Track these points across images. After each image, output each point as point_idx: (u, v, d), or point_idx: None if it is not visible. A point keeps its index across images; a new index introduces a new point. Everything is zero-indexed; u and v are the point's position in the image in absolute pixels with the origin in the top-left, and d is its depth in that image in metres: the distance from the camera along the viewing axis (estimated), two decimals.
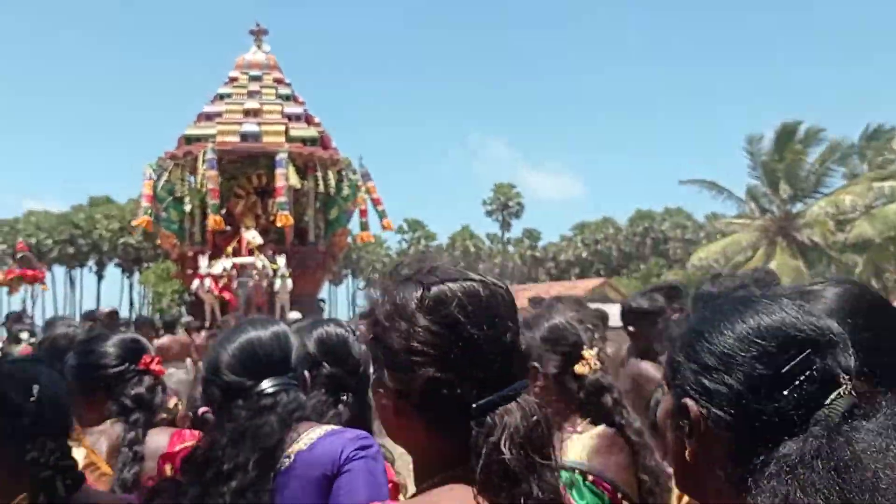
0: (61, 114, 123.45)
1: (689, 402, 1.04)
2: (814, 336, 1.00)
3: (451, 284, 1.18)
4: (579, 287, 29.88)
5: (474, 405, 1.08)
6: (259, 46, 19.51)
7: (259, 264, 15.71)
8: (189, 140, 17.42)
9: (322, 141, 18.02)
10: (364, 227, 18.31)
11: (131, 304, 70.51)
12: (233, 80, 18.80)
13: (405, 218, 76.77)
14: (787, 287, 1.62)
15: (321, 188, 17.46)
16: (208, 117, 17.93)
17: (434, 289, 1.16)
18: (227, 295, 15.42)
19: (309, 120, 18.49)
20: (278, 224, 16.46)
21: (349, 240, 19.69)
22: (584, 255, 71.63)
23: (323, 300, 18.99)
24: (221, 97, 18.44)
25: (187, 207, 17.22)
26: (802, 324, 1.01)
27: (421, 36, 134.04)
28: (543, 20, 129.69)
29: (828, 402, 0.95)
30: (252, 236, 16.25)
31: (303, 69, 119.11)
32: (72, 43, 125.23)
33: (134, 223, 17.67)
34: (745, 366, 1.00)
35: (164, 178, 17.26)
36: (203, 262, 15.88)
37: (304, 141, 17.56)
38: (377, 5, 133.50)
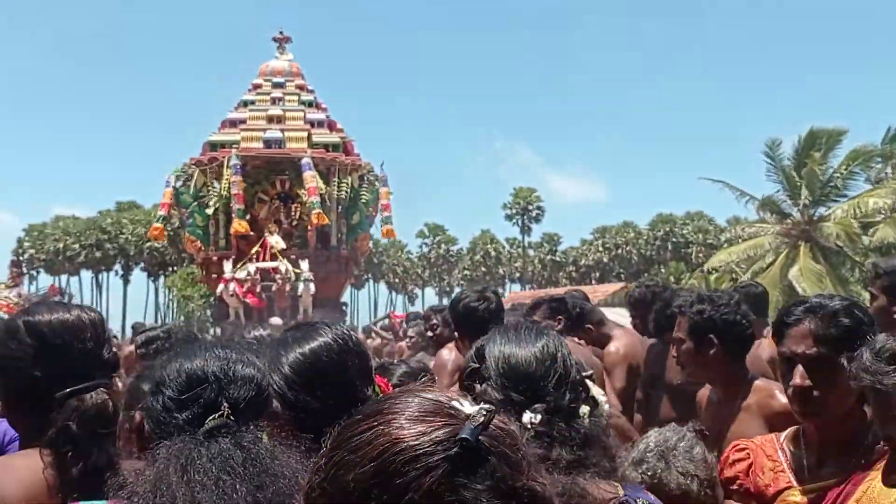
0: (89, 120, 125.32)
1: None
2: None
3: (48, 317, 1.65)
4: (599, 291, 29.79)
5: (56, 395, 1.55)
6: (282, 53, 19.80)
7: (282, 268, 15.94)
8: (214, 146, 17.72)
9: (344, 147, 18.25)
10: (387, 221, 18.38)
11: (157, 308, 71.34)
12: (256, 87, 19.09)
13: (426, 223, 76.98)
14: None
15: (343, 193, 17.68)
16: (233, 124, 18.23)
17: (35, 318, 1.65)
18: (251, 299, 15.65)
19: (331, 126, 18.73)
20: (314, 222, 16.66)
21: (371, 244, 19.89)
22: (605, 259, 71.39)
23: (345, 304, 19.18)
24: (245, 104, 18.74)
25: (210, 211, 17.50)
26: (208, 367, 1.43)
27: (446, 42, 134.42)
28: (567, 25, 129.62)
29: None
30: (275, 241, 16.48)
31: (326, 75, 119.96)
32: (100, 51, 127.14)
33: (150, 233, 18.03)
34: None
35: (190, 183, 17.57)
36: (228, 266, 16.14)
37: (326, 147, 17.80)
38: (401, 12, 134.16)
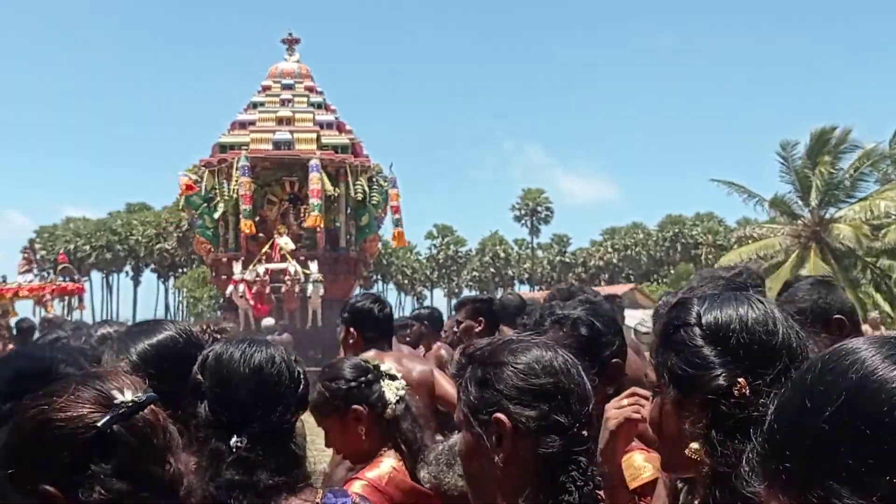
0: (99, 122, 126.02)
1: None
2: None
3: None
4: (609, 292, 29.76)
5: None
6: (291, 55, 19.85)
7: (291, 270, 15.98)
8: (223, 148, 17.78)
9: (353, 148, 18.28)
10: (397, 223, 18.40)
11: (167, 309, 71.60)
12: (266, 88, 19.15)
13: (435, 224, 76.94)
14: None
15: (352, 195, 17.72)
16: (242, 125, 18.29)
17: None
18: (257, 306, 15.64)
19: (340, 128, 18.77)
20: (307, 224, 16.73)
21: (380, 245, 19.92)
22: (614, 260, 71.24)
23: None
24: (255, 106, 18.80)
25: (218, 213, 17.57)
26: None
27: (455, 43, 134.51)
28: (577, 25, 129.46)
29: None
30: (285, 242, 16.53)
31: (335, 77, 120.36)
32: (108, 53, 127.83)
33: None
34: None
35: (200, 185, 17.65)
36: (237, 267, 16.19)
37: (335, 148, 17.84)
38: (410, 13, 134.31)
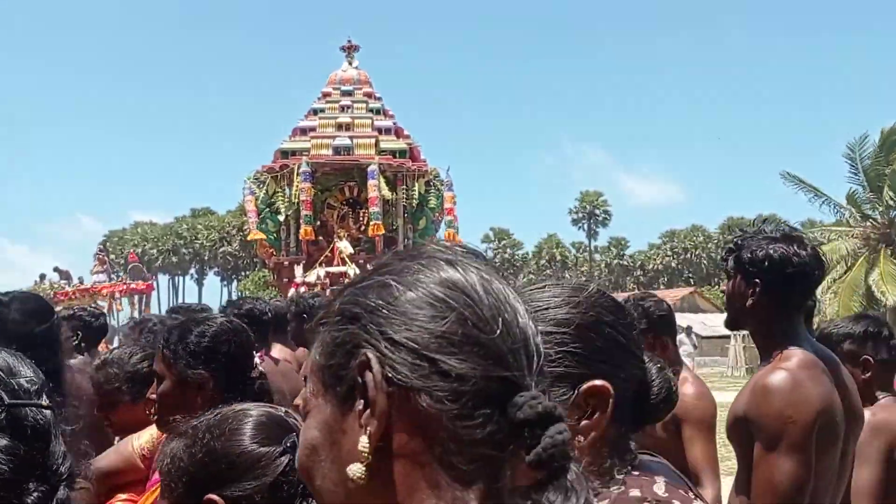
0: (166, 130, 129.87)
1: None
2: None
3: None
4: (668, 296, 29.31)
5: None
6: (351, 62, 20.18)
7: (351, 273, 16.24)
8: (285, 154, 18.18)
9: (411, 153, 18.49)
10: (450, 225, 18.51)
11: None
12: (326, 95, 19.50)
13: (491, 227, 76.91)
14: None
15: (410, 199, 17.92)
16: (303, 132, 18.67)
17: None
18: None
19: (398, 133, 19.01)
20: (370, 233, 16.99)
21: None
22: (673, 263, 70.08)
23: None
24: (315, 112, 19.16)
25: (281, 217, 17.96)
26: None
27: (514, 45, 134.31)
28: (641, 24, 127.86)
29: None
30: (344, 246, 16.81)
31: (393, 82, 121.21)
32: (175, 66, 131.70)
33: (250, 237, 18.40)
34: None
35: (262, 190, 18.09)
36: (298, 270, 16.53)
37: (393, 153, 18.07)
38: (467, 16, 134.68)
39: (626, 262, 73.46)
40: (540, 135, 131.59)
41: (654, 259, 71.55)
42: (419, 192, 17.99)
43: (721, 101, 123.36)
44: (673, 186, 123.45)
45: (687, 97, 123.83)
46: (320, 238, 17.38)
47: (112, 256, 70.10)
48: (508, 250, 75.67)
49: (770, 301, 1.86)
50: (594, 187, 73.75)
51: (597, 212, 71.98)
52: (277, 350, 4.03)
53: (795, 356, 1.80)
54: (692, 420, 2.52)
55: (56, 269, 16.85)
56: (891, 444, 2.08)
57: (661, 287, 59.57)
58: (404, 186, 17.68)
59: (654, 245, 73.37)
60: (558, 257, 73.59)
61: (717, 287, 50.37)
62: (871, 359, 2.20)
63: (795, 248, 1.85)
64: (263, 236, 17.79)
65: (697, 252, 68.92)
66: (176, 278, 73.86)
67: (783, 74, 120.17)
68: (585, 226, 72.61)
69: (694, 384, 2.65)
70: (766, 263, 1.85)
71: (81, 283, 16.38)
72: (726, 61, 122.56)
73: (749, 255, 1.90)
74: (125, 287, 17.58)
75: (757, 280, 1.87)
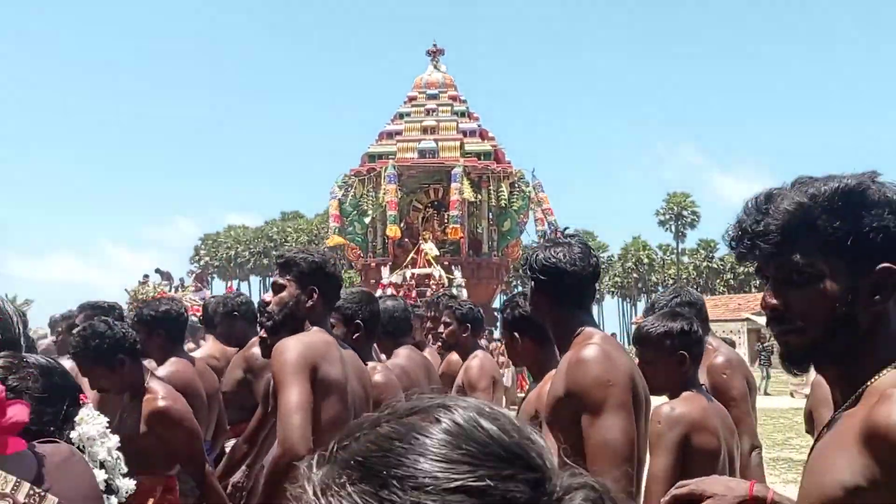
0: (257, 135, 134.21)
1: None
2: None
3: None
4: (760, 300, 28.38)
5: None
6: (436, 66, 20.46)
7: (436, 274, 16.47)
8: (372, 157, 18.59)
9: (496, 155, 18.60)
10: (553, 224, 18.54)
11: None
12: (411, 99, 19.84)
13: (575, 229, 75.89)
14: None
15: (494, 201, 18.02)
16: (389, 135, 19.05)
17: None
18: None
19: (483, 135, 19.15)
20: (450, 236, 17.20)
21: (520, 251, 20.12)
22: None
23: (497, 310, 19.48)
24: (401, 116, 19.53)
25: (368, 220, 18.35)
26: None
27: (602, 43, 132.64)
28: (741, 23, 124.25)
29: None
30: (429, 248, 17.06)
31: (478, 84, 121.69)
32: (266, 74, 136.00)
33: (327, 243, 18.88)
34: None
35: (349, 193, 18.54)
36: (385, 272, 16.88)
37: (478, 155, 18.22)
38: (552, 16, 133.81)
39: (715, 265, 71.35)
40: (629, 135, 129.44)
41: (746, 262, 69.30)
42: (504, 194, 18.06)
43: (818, 97, 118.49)
44: (768, 185, 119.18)
45: (788, 97, 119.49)
46: (405, 240, 17.68)
47: (207, 259, 73.07)
48: None
49: (547, 300, 2.07)
50: (684, 188, 72.23)
51: (684, 213, 70.23)
52: (207, 347, 4.07)
53: (595, 333, 2.00)
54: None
55: (158, 271, 17.66)
56: (686, 435, 2.20)
57: (753, 290, 57.68)
58: (489, 188, 17.79)
59: None
60: (644, 260, 72.15)
61: None
62: (686, 354, 2.34)
63: (560, 250, 2.05)
64: (342, 241, 18.23)
65: None
66: (267, 280, 76.22)
67: (887, 73, 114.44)
68: (672, 227, 70.97)
69: None
70: (536, 267, 2.06)
71: (182, 284, 17.11)
72: (829, 59, 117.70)
73: (524, 262, 2.14)
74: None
75: (532, 283, 2.09)
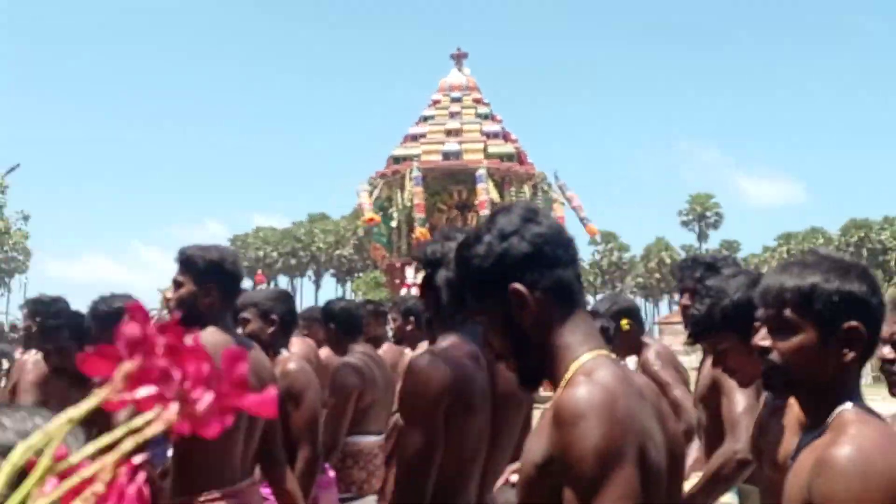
0: (284, 138, 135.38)
1: None
2: None
3: None
4: None
5: None
6: (460, 69, 20.79)
7: None
8: (397, 160, 18.97)
9: (518, 157, 18.92)
10: (584, 221, 18.79)
11: None
12: (435, 102, 20.20)
13: (598, 230, 76.06)
14: None
15: (518, 202, 18.41)
16: (413, 138, 19.42)
17: None
18: None
19: (506, 137, 19.48)
20: None
21: None
22: None
23: None
24: (425, 119, 19.90)
25: (394, 223, 18.77)
26: None
27: (623, 44, 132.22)
28: (764, 23, 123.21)
29: None
30: None
31: (500, 86, 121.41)
32: (292, 75, 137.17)
33: (364, 218, 18.93)
34: None
35: (375, 195, 18.97)
36: (410, 272, 17.25)
37: (501, 157, 18.52)
38: (574, 17, 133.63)
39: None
40: (651, 136, 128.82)
41: (770, 262, 68.83)
42: (527, 196, 18.36)
43: (845, 96, 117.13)
44: (791, 187, 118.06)
45: (809, 94, 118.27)
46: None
47: None
48: (615, 253, 74.70)
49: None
50: (706, 188, 71.87)
51: (707, 214, 70.00)
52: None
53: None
54: None
55: None
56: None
57: None
58: (512, 189, 18.11)
59: (768, 248, 70.63)
60: (667, 260, 71.97)
61: None
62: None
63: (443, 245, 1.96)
64: (378, 217, 18.43)
65: None
66: (294, 280, 77.15)
67: None
68: (695, 228, 70.77)
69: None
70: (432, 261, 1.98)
71: None
72: (851, 55, 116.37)
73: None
74: None
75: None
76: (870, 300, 1.37)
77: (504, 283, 1.28)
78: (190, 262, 2.49)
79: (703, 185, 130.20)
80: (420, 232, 17.59)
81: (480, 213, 17.33)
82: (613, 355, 1.33)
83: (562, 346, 1.28)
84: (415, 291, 16.63)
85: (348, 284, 72.70)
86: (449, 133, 18.97)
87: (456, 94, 20.00)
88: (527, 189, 18.37)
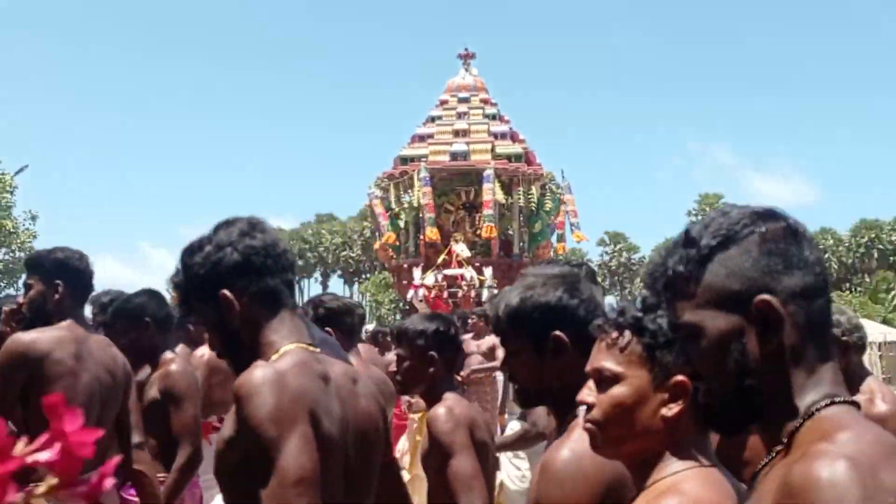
0: (292, 140, 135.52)
1: None
2: None
3: None
4: None
5: None
6: (467, 70, 20.65)
7: (467, 276, 16.67)
8: (404, 160, 18.84)
9: (526, 157, 18.77)
10: (561, 238, 18.73)
11: None
12: (443, 102, 20.07)
13: (606, 231, 75.77)
14: None
15: (524, 203, 18.20)
16: (421, 138, 19.29)
17: None
18: (436, 307, 16.47)
19: (514, 137, 19.33)
20: (484, 235, 17.40)
21: (552, 252, 20.29)
22: None
23: None
24: (433, 119, 19.77)
25: (402, 223, 18.63)
26: None
27: (633, 42, 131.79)
28: (779, 19, 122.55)
29: None
30: (461, 249, 17.27)
31: (508, 86, 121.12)
32: (302, 75, 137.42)
33: (381, 241, 18.84)
34: None
35: (383, 196, 18.83)
36: (417, 273, 17.12)
37: (509, 157, 18.38)
38: (581, 17, 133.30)
39: None
40: (662, 135, 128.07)
41: None
42: (535, 196, 18.20)
43: (860, 96, 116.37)
44: (804, 186, 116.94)
45: (823, 95, 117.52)
46: (439, 241, 17.91)
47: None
48: (625, 254, 74.38)
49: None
50: (716, 188, 71.37)
51: None
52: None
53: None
54: None
55: None
56: (471, 430, 2.27)
57: None
58: (520, 190, 17.96)
59: None
60: None
61: (847, 292, 47.75)
62: (435, 355, 2.38)
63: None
64: (395, 236, 18.32)
65: (826, 256, 65.46)
66: (302, 282, 77.14)
67: None
68: None
69: None
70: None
71: None
72: (866, 55, 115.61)
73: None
74: None
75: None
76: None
77: (218, 288, 1.49)
78: (36, 264, 2.66)
79: (712, 186, 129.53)
80: (432, 231, 17.43)
81: (484, 212, 17.18)
82: (312, 348, 1.55)
83: (266, 342, 1.51)
84: (422, 292, 16.58)
85: (356, 286, 72.70)
86: (457, 133, 18.87)
87: (463, 95, 19.89)
88: (535, 189, 18.23)
